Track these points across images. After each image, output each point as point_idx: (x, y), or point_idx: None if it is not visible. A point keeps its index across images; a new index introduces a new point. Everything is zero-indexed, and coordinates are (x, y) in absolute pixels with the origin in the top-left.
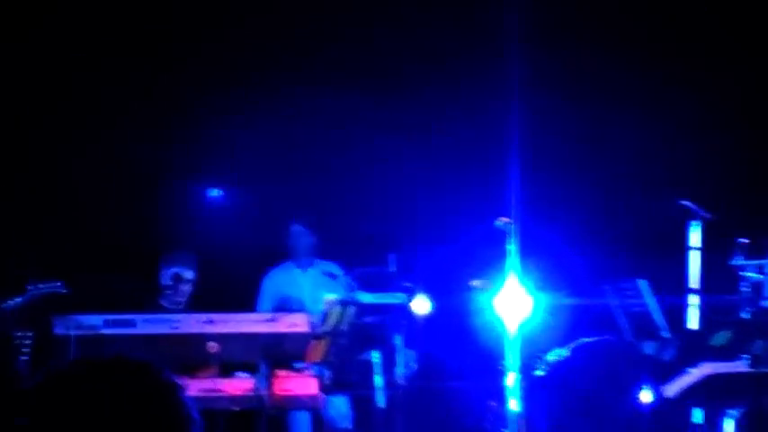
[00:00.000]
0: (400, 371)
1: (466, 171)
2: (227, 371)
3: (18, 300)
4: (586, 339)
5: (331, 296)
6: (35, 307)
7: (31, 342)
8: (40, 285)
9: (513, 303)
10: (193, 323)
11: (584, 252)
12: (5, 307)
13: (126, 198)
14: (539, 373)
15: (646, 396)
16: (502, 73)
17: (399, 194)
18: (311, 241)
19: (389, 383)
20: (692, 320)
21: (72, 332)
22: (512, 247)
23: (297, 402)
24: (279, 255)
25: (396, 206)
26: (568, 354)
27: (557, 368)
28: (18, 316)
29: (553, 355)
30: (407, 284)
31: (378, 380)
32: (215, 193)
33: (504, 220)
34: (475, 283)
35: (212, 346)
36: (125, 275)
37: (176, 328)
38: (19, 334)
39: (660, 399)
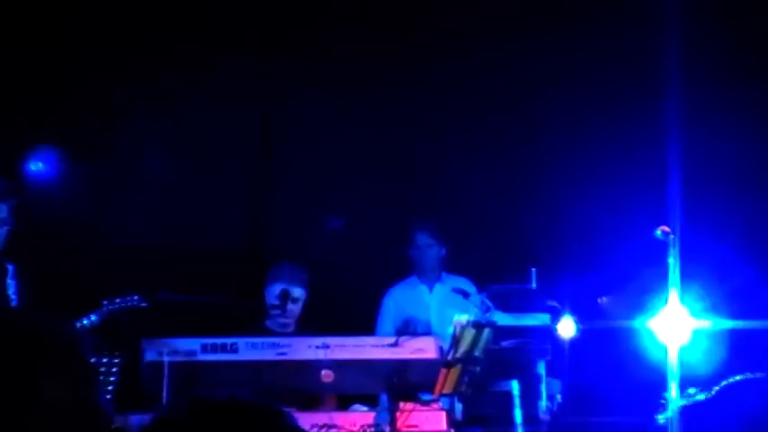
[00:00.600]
0: (543, 403)
1: (617, 177)
2: (343, 403)
3: (93, 317)
4: (737, 377)
5: (462, 317)
6: (116, 327)
7: (118, 370)
8: (117, 300)
9: (673, 325)
10: (305, 348)
11: (755, 268)
12: (80, 327)
13: (227, 208)
14: (661, 419)
15: None
16: (661, 77)
17: (541, 201)
18: (439, 253)
19: (530, 418)
20: None
21: (165, 358)
22: (672, 262)
23: None
24: (402, 268)
25: (538, 214)
26: (709, 395)
27: (689, 413)
28: (96, 338)
29: (686, 397)
30: (552, 303)
31: (517, 414)
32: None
33: (665, 229)
34: (602, 300)
35: (327, 375)
36: (226, 294)
37: (284, 354)
38: (104, 360)
39: None
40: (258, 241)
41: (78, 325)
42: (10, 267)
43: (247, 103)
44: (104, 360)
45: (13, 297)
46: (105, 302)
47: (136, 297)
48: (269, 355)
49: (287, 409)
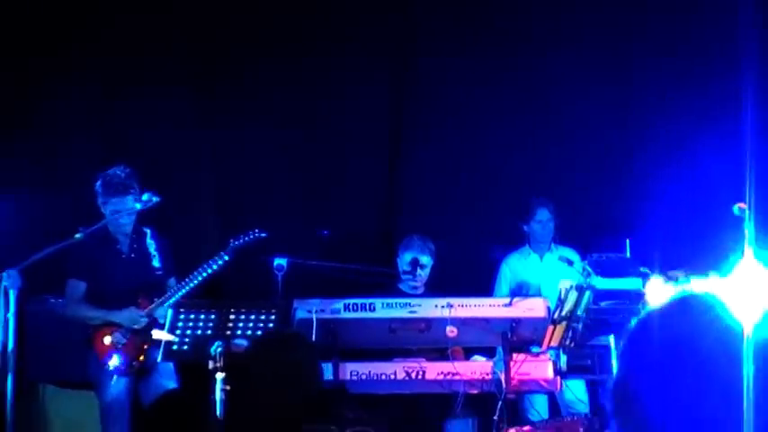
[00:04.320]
0: None
1: (700, 157)
2: (465, 354)
3: (225, 256)
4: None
5: (567, 282)
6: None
7: (273, 325)
8: (241, 236)
9: (746, 303)
10: (432, 308)
11: None
12: (216, 264)
13: (368, 182)
14: None
15: None
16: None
17: (635, 180)
18: (553, 226)
19: None
20: None
21: (314, 315)
22: (748, 237)
23: (534, 386)
24: (516, 238)
25: (632, 191)
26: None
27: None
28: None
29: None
30: (643, 270)
31: (614, 364)
32: None
33: (741, 206)
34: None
35: (451, 331)
36: (365, 260)
37: (415, 312)
38: (262, 317)
39: None
40: (392, 214)
41: (214, 264)
42: (148, 230)
43: (377, 73)
44: (262, 316)
45: (155, 254)
46: (231, 240)
47: (257, 230)
48: (402, 313)
49: (417, 360)
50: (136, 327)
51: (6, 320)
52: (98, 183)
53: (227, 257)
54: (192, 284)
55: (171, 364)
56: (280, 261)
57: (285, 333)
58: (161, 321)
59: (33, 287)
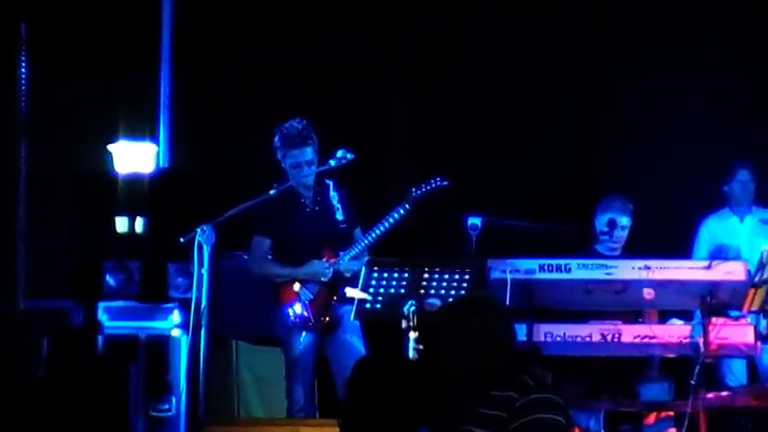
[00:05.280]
0: None
1: None
2: (662, 317)
3: (406, 205)
4: None
5: None
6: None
7: (468, 285)
8: (422, 185)
9: None
10: (629, 269)
11: None
12: (391, 220)
13: (564, 141)
14: None
15: None
16: None
17: None
18: (753, 188)
19: None
20: None
21: (509, 276)
22: None
23: (732, 351)
24: (715, 200)
25: None
26: None
27: None
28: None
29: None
30: None
31: None
32: None
33: None
34: None
35: (648, 293)
36: (561, 220)
37: (611, 273)
38: (456, 276)
39: None
40: (590, 172)
41: (395, 214)
42: (330, 182)
43: (578, 32)
44: (456, 276)
45: (338, 206)
46: (412, 189)
47: (438, 179)
48: (598, 275)
49: (613, 322)
50: (323, 279)
51: (201, 276)
52: (276, 137)
53: (407, 207)
54: (372, 237)
55: (357, 321)
56: (474, 220)
57: (479, 295)
58: (346, 275)
59: (228, 244)
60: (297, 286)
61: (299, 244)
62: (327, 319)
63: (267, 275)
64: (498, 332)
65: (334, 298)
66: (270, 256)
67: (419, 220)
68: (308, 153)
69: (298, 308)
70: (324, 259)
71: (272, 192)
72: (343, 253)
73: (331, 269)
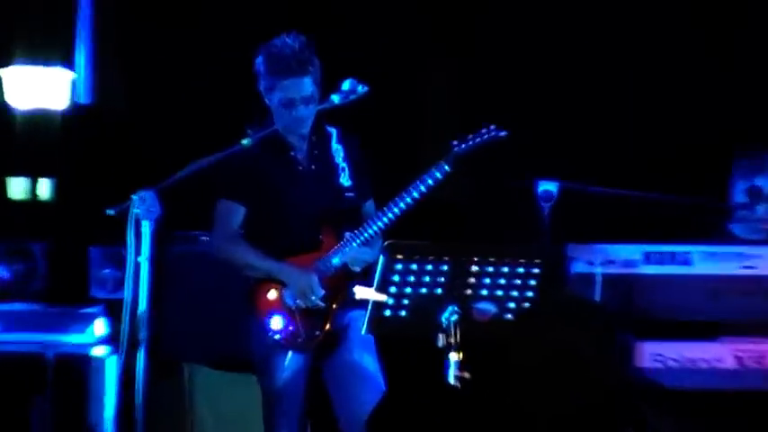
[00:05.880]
0: None
1: None
2: None
3: (446, 166)
4: None
5: None
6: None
7: (536, 282)
8: (469, 137)
9: None
10: None
11: None
12: (424, 186)
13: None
14: None
15: None
16: None
17: None
18: None
19: None
20: None
21: (598, 269)
22: None
23: None
24: None
25: None
26: None
27: None
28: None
29: None
30: None
31: None
32: None
33: None
34: None
35: None
36: (676, 189)
37: (752, 267)
38: (519, 270)
39: None
40: (719, 120)
41: (430, 178)
42: (334, 131)
43: None
44: (520, 269)
45: (344, 165)
46: (455, 143)
47: (492, 127)
48: (731, 269)
49: (755, 339)
50: (303, 305)
51: (138, 267)
52: (259, 59)
53: (446, 168)
54: (395, 212)
55: (371, 336)
56: (547, 186)
57: (565, 300)
58: (355, 269)
59: (179, 219)
60: (273, 294)
61: (288, 217)
62: (326, 330)
63: (236, 262)
64: (594, 357)
65: (334, 306)
66: (241, 234)
67: (465, 187)
68: (306, 85)
69: (278, 321)
70: (321, 245)
71: (245, 141)
72: (350, 235)
73: (321, 290)
